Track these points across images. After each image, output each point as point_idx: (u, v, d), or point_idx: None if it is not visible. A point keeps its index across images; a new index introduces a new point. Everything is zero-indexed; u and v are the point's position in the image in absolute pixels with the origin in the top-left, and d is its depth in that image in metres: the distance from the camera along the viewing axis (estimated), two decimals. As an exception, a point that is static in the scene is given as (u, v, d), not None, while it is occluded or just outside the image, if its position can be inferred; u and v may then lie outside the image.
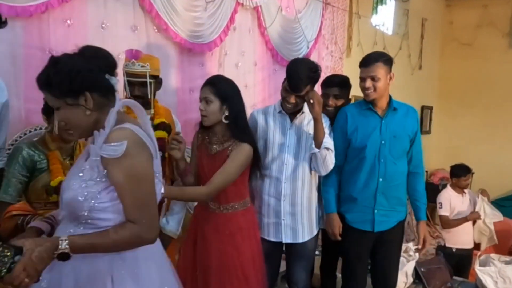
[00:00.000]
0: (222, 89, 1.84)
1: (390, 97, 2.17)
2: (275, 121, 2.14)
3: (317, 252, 2.73)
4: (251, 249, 1.93)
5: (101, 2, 2.22)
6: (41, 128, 1.94)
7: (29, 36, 1.94)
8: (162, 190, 1.48)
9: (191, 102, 2.75)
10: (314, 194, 2.18)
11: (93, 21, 2.20)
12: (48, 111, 1.69)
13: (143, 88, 1.83)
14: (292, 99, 2.02)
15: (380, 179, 2.11)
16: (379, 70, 2.05)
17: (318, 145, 1.99)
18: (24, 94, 1.93)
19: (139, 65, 1.82)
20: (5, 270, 1.00)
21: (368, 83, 2.05)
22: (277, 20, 3.31)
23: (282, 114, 2.14)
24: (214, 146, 1.89)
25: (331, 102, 2.34)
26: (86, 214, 1.17)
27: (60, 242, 1.09)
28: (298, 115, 2.13)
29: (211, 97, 1.81)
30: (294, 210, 2.11)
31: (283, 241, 2.12)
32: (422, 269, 3.04)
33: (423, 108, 5.92)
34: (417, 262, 3.01)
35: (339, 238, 2.17)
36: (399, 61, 5.03)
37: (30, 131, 1.93)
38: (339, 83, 2.41)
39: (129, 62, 1.83)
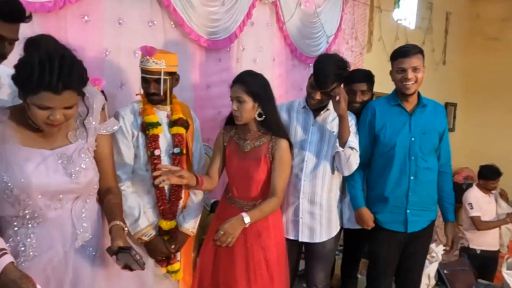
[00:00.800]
0: (253, 86, 1.81)
1: (419, 93, 2.09)
2: (298, 117, 2.10)
3: (337, 252, 2.68)
4: (276, 248, 1.90)
5: (118, -4, 2.22)
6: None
7: (47, 32, 1.94)
8: (248, 220, 1.67)
9: (208, 98, 2.73)
10: (335, 195, 2.12)
11: (110, 16, 2.20)
12: None
13: (158, 85, 1.81)
14: (318, 96, 1.98)
15: (412, 177, 2.03)
16: (420, 61, 1.99)
17: (343, 144, 1.93)
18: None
19: (153, 62, 1.80)
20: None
21: (410, 74, 1.96)
22: (296, 15, 3.24)
23: (306, 110, 2.09)
24: (248, 143, 1.86)
25: (358, 98, 2.28)
26: (96, 187, 1.36)
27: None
28: (322, 112, 2.08)
29: (243, 96, 1.79)
30: (313, 209, 2.06)
31: (300, 240, 2.08)
32: (445, 271, 2.94)
33: (447, 104, 5.73)
34: (440, 263, 2.91)
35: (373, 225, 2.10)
36: (422, 56, 4.90)
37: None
38: (366, 77, 2.34)
39: (144, 59, 1.81)
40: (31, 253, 1.19)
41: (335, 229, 2.12)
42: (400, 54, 2.00)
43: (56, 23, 2.00)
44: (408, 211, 2.05)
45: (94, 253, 1.29)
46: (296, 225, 2.07)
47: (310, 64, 3.37)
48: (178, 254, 1.92)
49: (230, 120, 1.94)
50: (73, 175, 1.25)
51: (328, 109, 2.08)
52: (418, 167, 2.03)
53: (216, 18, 2.66)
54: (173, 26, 2.48)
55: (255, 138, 1.86)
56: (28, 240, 1.20)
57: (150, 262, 1.83)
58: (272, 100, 1.89)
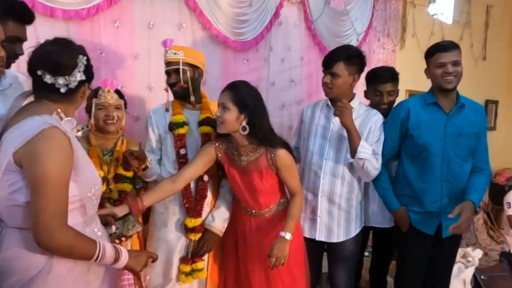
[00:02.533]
0: (243, 96, 1.69)
1: (457, 92, 2.01)
2: (320, 115, 2.08)
3: (366, 253, 2.62)
4: (294, 248, 1.86)
5: (147, 1, 2.29)
6: (87, 126, 2.03)
7: (82, 38, 2.04)
8: (289, 236, 1.72)
9: (235, 99, 2.75)
10: (356, 195, 2.06)
11: (140, 21, 2.28)
12: (89, 109, 1.79)
13: (177, 75, 1.85)
14: (326, 79, 1.95)
15: (444, 181, 1.96)
16: (460, 55, 1.93)
17: (353, 154, 1.90)
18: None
19: (171, 52, 1.85)
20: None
21: (451, 68, 1.90)
22: (325, 13, 3.21)
23: (329, 108, 2.06)
24: (243, 158, 1.78)
25: (385, 99, 2.23)
26: None
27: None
28: None
29: (228, 104, 1.68)
30: (331, 208, 2.03)
31: (317, 239, 2.05)
32: (482, 277, 2.81)
33: (487, 102, 5.46)
34: (476, 268, 2.79)
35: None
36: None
37: (78, 130, 2.03)
38: (391, 77, 2.26)
39: (165, 52, 1.87)
40: (104, 237, 1.34)
41: (354, 230, 2.07)
42: (439, 49, 1.94)
43: (90, 29, 2.09)
44: (442, 215, 1.96)
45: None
46: (313, 224, 2.05)
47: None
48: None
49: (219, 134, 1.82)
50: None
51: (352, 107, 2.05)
52: (451, 171, 1.95)
53: (244, 19, 2.68)
54: (201, 28, 2.52)
55: (249, 152, 1.77)
56: (100, 232, 1.33)
57: (175, 258, 1.89)
58: (262, 113, 1.75)
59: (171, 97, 1.93)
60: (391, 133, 2.04)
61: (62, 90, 1.19)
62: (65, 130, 1.14)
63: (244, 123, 1.69)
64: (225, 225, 1.95)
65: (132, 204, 1.61)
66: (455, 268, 3.24)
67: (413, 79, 2.97)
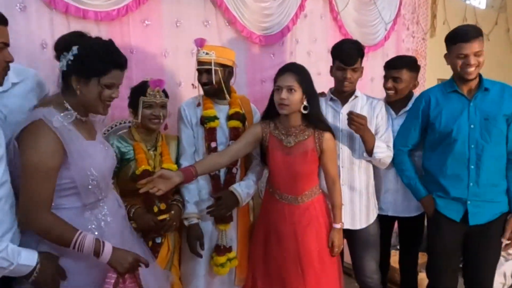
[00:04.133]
0: (304, 78, 1.79)
1: (480, 76, 1.95)
2: (327, 107, 2.09)
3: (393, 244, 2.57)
4: (326, 237, 1.90)
5: (174, 0, 2.34)
6: (125, 122, 2.11)
7: (113, 38, 2.08)
8: (340, 226, 1.88)
9: (262, 93, 2.77)
10: (372, 181, 2.12)
11: (168, 19, 2.33)
12: (134, 105, 1.82)
13: (209, 75, 1.88)
14: (349, 74, 1.99)
15: (472, 167, 1.90)
16: (482, 44, 1.86)
17: (369, 153, 1.98)
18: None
19: (203, 52, 1.88)
20: None
21: (473, 60, 1.84)
22: (351, 3, 3.17)
23: (334, 101, 2.10)
24: (291, 138, 1.83)
25: (390, 84, 2.21)
26: None
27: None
28: (350, 99, 2.06)
29: (294, 85, 1.75)
30: (353, 195, 2.05)
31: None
32: (523, 270, 2.70)
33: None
34: (517, 261, 2.69)
35: None
36: (495, 38, 4.49)
37: (116, 125, 2.11)
38: (403, 64, 2.19)
39: (197, 51, 1.91)
40: (112, 225, 1.41)
41: (372, 215, 2.11)
42: (460, 39, 1.87)
43: (120, 29, 2.16)
44: (468, 202, 1.92)
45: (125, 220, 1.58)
46: None
47: (368, 54, 3.29)
48: (231, 241, 1.96)
49: (266, 115, 1.91)
50: (114, 156, 1.51)
51: (356, 96, 2.06)
52: (479, 156, 1.89)
53: (269, 13, 2.69)
54: (227, 24, 2.55)
55: (298, 133, 1.83)
56: (109, 218, 1.41)
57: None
58: (316, 94, 1.87)
59: (201, 91, 1.96)
60: (413, 123, 2.04)
61: (60, 73, 1.30)
62: (53, 125, 1.23)
63: (305, 103, 1.79)
64: (247, 199, 1.94)
65: (185, 170, 1.69)
66: (494, 261, 3.14)
67: (445, 67, 2.86)
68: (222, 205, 1.86)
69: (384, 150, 1.99)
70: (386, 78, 2.24)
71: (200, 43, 1.88)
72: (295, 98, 1.76)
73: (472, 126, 1.90)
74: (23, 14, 1.83)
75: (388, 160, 2.04)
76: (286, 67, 1.83)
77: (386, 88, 2.24)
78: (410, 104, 2.20)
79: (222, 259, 1.91)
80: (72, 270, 1.29)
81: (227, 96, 1.94)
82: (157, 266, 1.67)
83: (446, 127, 1.93)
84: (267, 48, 2.77)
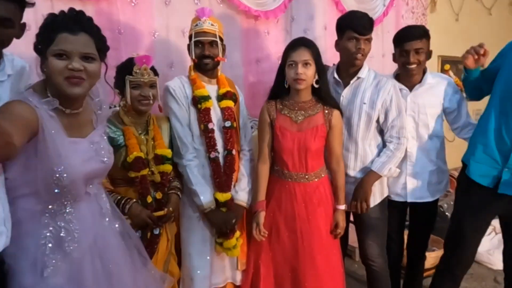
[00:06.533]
0: (317, 52, 1.79)
1: None
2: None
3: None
4: (332, 219, 1.89)
5: (163, -22, 2.24)
6: (115, 106, 2.04)
7: (100, 18, 2.02)
8: (343, 207, 1.91)
9: (257, 73, 2.70)
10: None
11: (157, -3, 2.24)
12: (120, 85, 1.68)
13: (213, 48, 1.81)
14: (362, 45, 1.91)
15: None
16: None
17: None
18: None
19: (209, 23, 1.80)
20: None
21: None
22: (348, -22, 3.05)
23: (336, 80, 2.02)
24: (301, 113, 1.82)
25: (413, 58, 2.01)
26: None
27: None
28: (352, 81, 1.98)
29: (310, 60, 1.75)
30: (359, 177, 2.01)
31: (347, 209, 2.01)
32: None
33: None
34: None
35: None
36: (498, 11, 4.38)
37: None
38: (419, 34, 2.02)
39: (200, 21, 1.81)
40: (76, 236, 1.21)
41: (379, 197, 2.06)
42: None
43: (108, 9, 2.08)
44: (505, 169, 1.76)
45: (118, 229, 1.38)
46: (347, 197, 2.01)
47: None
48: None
49: (274, 95, 1.89)
50: (105, 159, 1.30)
51: (359, 77, 1.97)
52: None
53: (264, -11, 2.59)
54: (219, 1, 2.46)
55: (308, 108, 1.82)
56: (71, 225, 1.20)
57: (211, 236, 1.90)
58: (325, 69, 1.86)
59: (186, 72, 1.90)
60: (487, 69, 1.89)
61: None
62: (34, 105, 1.13)
63: (317, 77, 1.79)
64: (249, 197, 1.94)
65: (259, 206, 1.87)
66: (496, 240, 3.08)
67: (446, 44, 2.77)
68: (233, 221, 1.87)
69: (386, 165, 1.95)
70: (406, 52, 2.02)
71: (207, 12, 1.79)
72: (311, 72, 1.76)
73: None
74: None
75: (402, 153, 2.00)
76: (299, 41, 1.80)
77: (408, 63, 2.02)
78: (425, 78, 2.06)
79: (232, 241, 1.88)
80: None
81: (220, 74, 1.87)
82: (155, 269, 1.54)
83: (506, 84, 1.76)
84: (262, 25, 2.68)
